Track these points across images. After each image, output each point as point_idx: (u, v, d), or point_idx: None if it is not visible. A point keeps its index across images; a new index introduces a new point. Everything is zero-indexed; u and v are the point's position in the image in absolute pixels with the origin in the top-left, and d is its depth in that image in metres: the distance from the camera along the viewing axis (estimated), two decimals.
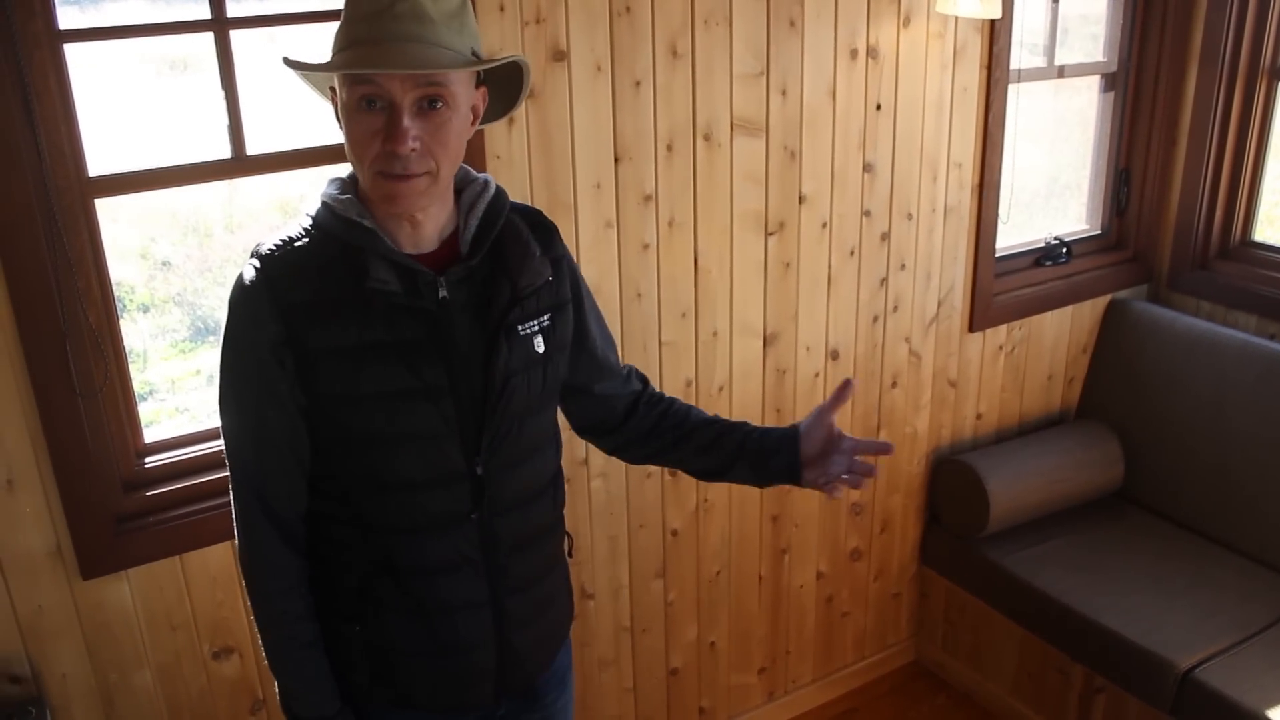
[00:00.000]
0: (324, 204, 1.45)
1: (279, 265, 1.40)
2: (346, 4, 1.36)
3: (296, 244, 1.42)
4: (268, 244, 1.43)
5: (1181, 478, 3.12)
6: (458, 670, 1.57)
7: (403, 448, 1.45)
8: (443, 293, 1.44)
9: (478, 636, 1.56)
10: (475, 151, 2.14)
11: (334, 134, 2.12)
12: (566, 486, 2.51)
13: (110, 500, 2.02)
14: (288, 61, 1.38)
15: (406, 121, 1.33)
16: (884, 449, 1.68)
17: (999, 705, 3.11)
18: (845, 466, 1.67)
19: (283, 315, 1.38)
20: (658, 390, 1.81)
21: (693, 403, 2.60)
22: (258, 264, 1.41)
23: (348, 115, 1.35)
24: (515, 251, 1.51)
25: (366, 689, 1.57)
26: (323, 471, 1.49)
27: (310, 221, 1.45)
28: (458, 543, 1.51)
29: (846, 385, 1.65)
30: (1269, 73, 3.12)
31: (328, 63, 1.37)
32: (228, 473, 1.49)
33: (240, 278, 1.42)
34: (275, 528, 1.47)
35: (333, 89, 1.40)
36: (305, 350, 1.39)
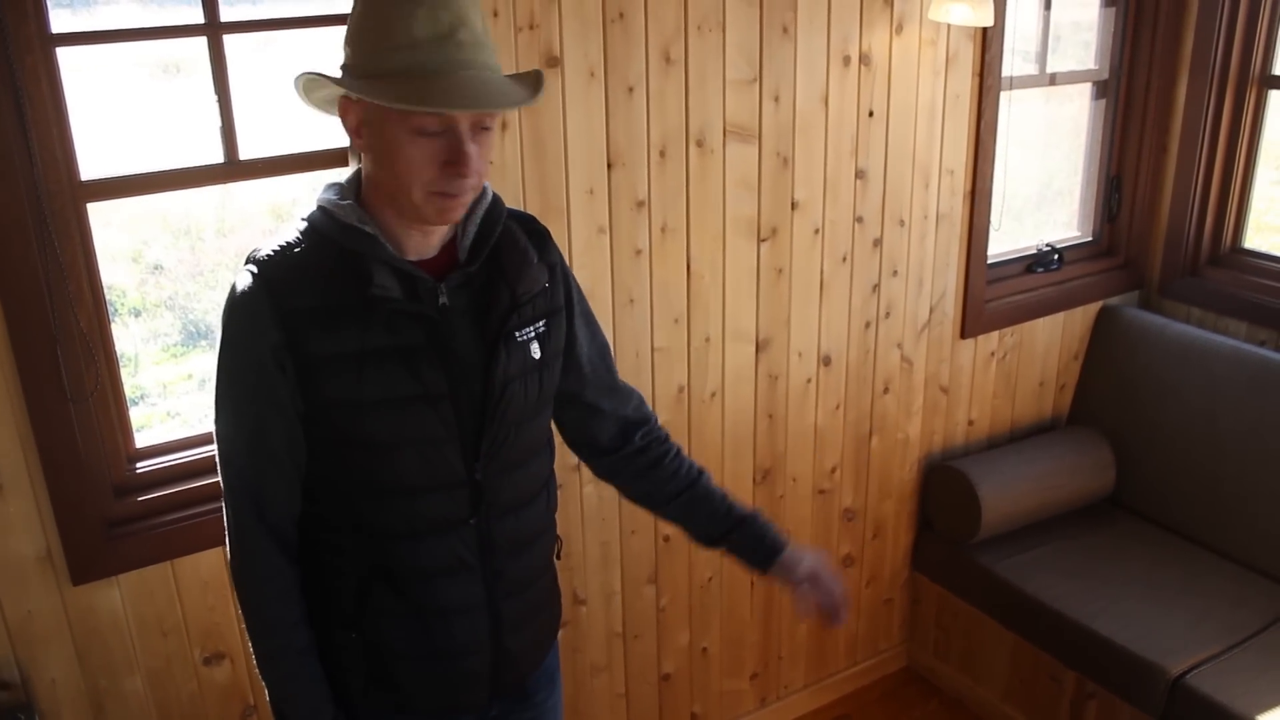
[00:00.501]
0: (322, 209, 1.44)
1: (278, 271, 1.40)
2: (392, 24, 1.30)
3: (295, 249, 1.42)
4: (265, 250, 1.43)
5: (1172, 484, 3.13)
6: (454, 674, 1.58)
7: (403, 453, 1.45)
8: (443, 299, 1.45)
9: (474, 640, 1.57)
10: None
11: (326, 139, 2.12)
12: (559, 492, 2.51)
13: (101, 505, 2.02)
14: (344, 84, 1.34)
15: (470, 147, 1.34)
16: (837, 617, 1.75)
17: (991, 711, 3.11)
18: (807, 588, 1.75)
19: (283, 321, 1.38)
20: (665, 433, 1.81)
21: (685, 409, 2.60)
22: (256, 270, 1.40)
23: (398, 141, 1.33)
24: (513, 258, 1.52)
25: (361, 693, 1.57)
26: (319, 477, 1.49)
27: (306, 226, 1.44)
28: (456, 547, 1.51)
29: (836, 616, 1.75)
30: (1259, 81, 3.14)
31: (405, 95, 1.30)
32: (220, 478, 1.48)
33: (237, 284, 1.41)
34: (270, 534, 1.47)
35: (349, 101, 1.36)
36: (307, 356, 1.39)
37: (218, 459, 1.47)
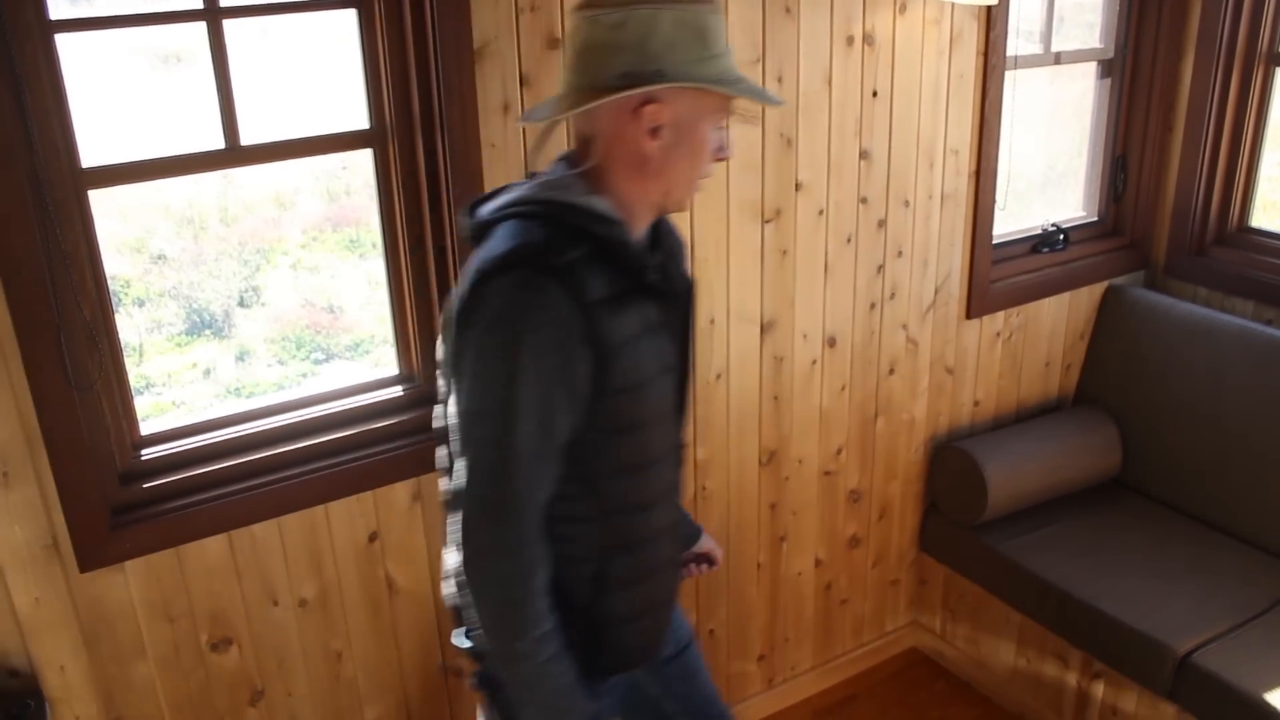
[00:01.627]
0: (561, 204, 1.49)
1: (569, 272, 1.43)
2: (709, 36, 1.46)
3: (560, 245, 1.45)
4: (534, 251, 1.44)
5: (1179, 463, 3.12)
6: (661, 622, 1.73)
7: (659, 425, 1.58)
8: (654, 277, 1.56)
9: (673, 587, 1.75)
10: (471, 139, 2.14)
11: (322, 124, 2.12)
12: None
13: (107, 492, 2.02)
14: (716, 87, 1.46)
15: None
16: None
17: (998, 691, 3.12)
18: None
19: (586, 320, 1.43)
20: None
21: (689, 391, 2.61)
22: (545, 272, 1.42)
23: (707, 136, 1.52)
24: (673, 237, 1.70)
25: (586, 668, 1.60)
26: (567, 472, 1.51)
27: (550, 223, 1.48)
28: (671, 505, 1.68)
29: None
30: (1266, 58, 3.12)
31: (755, 94, 1.52)
32: (479, 473, 1.45)
33: (533, 286, 1.42)
34: (537, 531, 1.48)
35: (658, 105, 1.45)
36: (605, 347, 1.45)
37: (492, 456, 1.44)
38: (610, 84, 1.43)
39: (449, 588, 1.61)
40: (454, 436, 1.50)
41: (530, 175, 1.59)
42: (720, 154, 1.56)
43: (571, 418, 1.46)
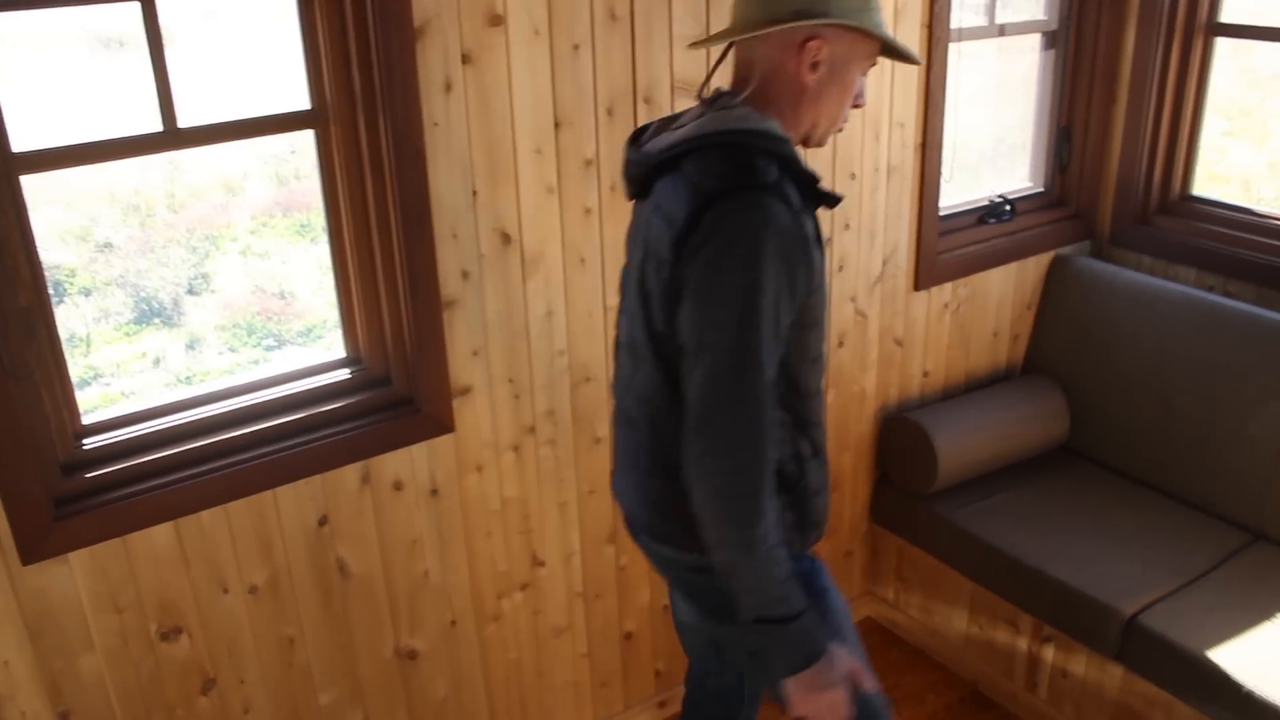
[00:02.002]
0: (756, 130, 1.67)
1: (780, 189, 1.63)
2: None
3: (768, 169, 1.64)
4: (755, 176, 1.62)
5: (1126, 430, 3.17)
6: (830, 499, 1.92)
7: (825, 322, 1.79)
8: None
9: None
10: (413, 118, 2.12)
11: (267, 106, 2.09)
12: (514, 455, 2.52)
13: (48, 484, 1.99)
14: (868, 29, 1.69)
15: None
16: None
17: (951, 659, 3.16)
18: None
19: (799, 228, 1.63)
20: None
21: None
22: (772, 192, 1.61)
23: (853, 79, 1.74)
24: None
25: (797, 543, 1.82)
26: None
27: (739, 150, 1.66)
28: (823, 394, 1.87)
29: None
30: (1206, 29, 3.15)
31: (902, 47, 1.75)
32: (726, 379, 1.59)
33: (765, 208, 1.59)
34: (774, 439, 1.65)
35: (820, 41, 1.66)
36: (810, 252, 1.66)
37: (733, 360, 1.59)
38: (783, 18, 1.65)
39: (640, 510, 1.91)
40: (684, 348, 1.66)
41: (699, 99, 1.80)
42: (859, 100, 1.78)
43: (792, 317, 1.66)
